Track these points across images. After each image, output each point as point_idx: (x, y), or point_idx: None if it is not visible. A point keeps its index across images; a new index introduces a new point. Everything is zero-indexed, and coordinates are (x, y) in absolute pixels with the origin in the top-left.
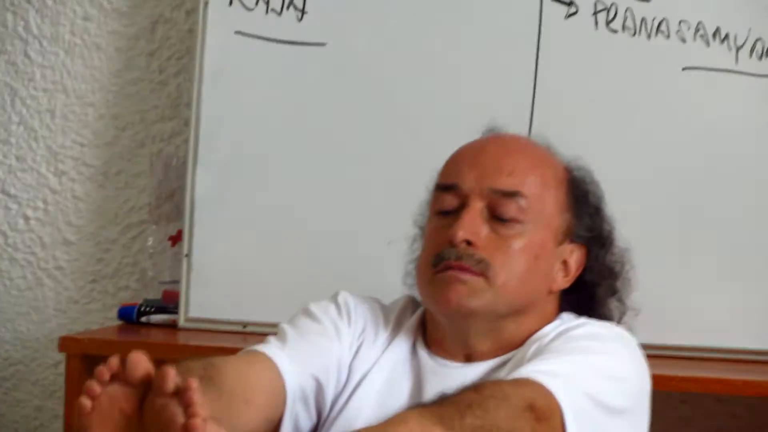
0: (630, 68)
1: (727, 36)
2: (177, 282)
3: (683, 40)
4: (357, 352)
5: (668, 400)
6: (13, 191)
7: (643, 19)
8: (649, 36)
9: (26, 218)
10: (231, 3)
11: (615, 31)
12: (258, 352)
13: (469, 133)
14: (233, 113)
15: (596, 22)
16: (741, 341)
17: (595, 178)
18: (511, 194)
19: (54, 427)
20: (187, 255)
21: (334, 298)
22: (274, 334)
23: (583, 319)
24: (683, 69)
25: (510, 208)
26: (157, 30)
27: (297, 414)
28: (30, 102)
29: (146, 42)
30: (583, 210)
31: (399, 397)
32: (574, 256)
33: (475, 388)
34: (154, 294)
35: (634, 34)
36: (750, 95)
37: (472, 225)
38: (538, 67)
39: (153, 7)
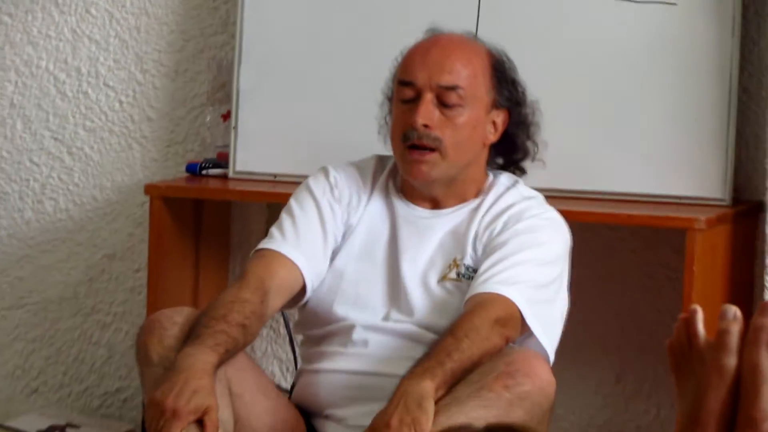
0: None
1: None
2: (227, 146)
3: None
4: (346, 219)
5: (573, 228)
6: (111, 83)
7: None
8: None
9: (120, 102)
10: None
11: None
12: (279, 255)
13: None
14: (267, 29)
15: None
16: (633, 187)
17: (509, 56)
18: (452, 88)
19: (140, 248)
20: (234, 127)
21: (326, 176)
22: (293, 182)
23: (514, 197)
24: None
25: (452, 98)
26: None
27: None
28: (123, 22)
29: None
30: (503, 84)
31: (379, 246)
32: (500, 117)
33: (452, 332)
34: (211, 155)
35: None
36: (634, 18)
37: (427, 112)
38: None
39: None
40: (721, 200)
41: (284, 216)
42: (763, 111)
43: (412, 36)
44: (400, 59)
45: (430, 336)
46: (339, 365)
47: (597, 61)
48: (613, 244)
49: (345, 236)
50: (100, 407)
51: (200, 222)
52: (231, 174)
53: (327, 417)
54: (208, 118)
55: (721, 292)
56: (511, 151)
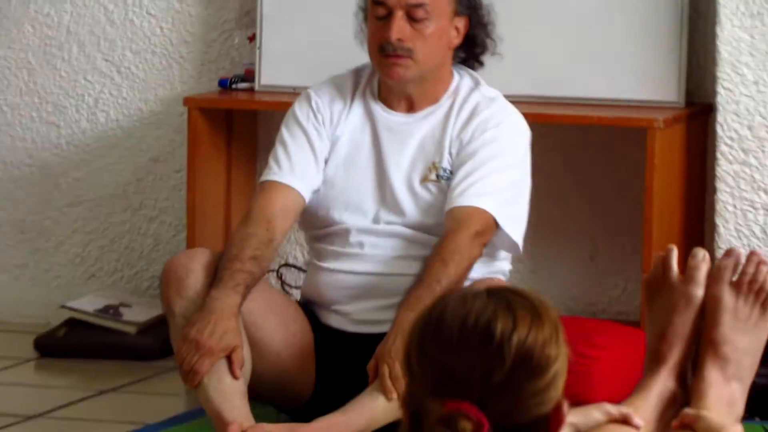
0: None
1: None
2: (253, 64)
3: None
4: (331, 134)
5: (541, 128)
6: (153, 12)
7: None
8: None
9: (161, 28)
10: None
11: None
12: (279, 185)
13: None
14: None
15: None
16: (601, 93)
17: None
18: (419, 5)
19: (180, 152)
20: (259, 47)
21: (308, 101)
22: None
23: (478, 99)
24: None
25: (419, 13)
26: None
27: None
28: None
29: None
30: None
31: (363, 152)
32: (462, 22)
33: (440, 255)
34: (239, 71)
35: None
36: None
37: (399, 28)
38: None
39: None
40: (676, 103)
41: (277, 145)
42: (712, 27)
43: None
44: None
45: (418, 235)
46: (339, 266)
47: None
48: (583, 142)
49: (331, 148)
50: (149, 288)
51: (231, 129)
52: (257, 87)
53: (334, 311)
54: (236, 40)
55: (677, 183)
56: (472, 49)
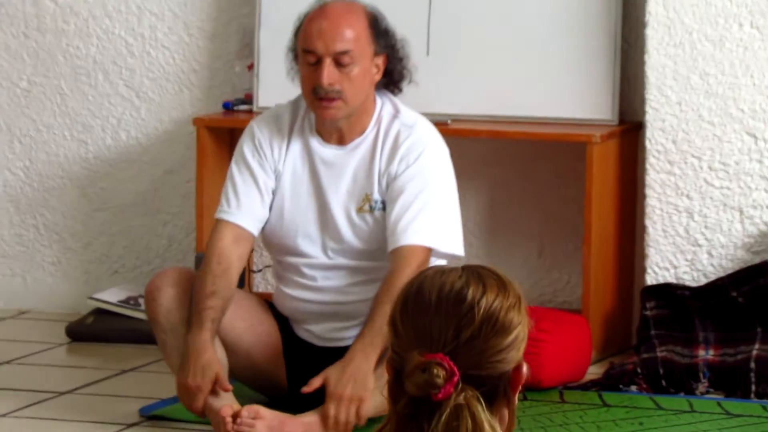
0: None
1: None
2: (251, 89)
3: None
4: (274, 167)
5: (497, 143)
6: (166, 45)
7: None
8: None
9: (173, 58)
10: None
11: None
12: (227, 223)
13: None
14: (279, 1)
15: None
16: (548, 112)
17: (380, 10)
18: (345, 52)
19: (190, 164)
20: (256, 75)
21: (252, 138)
22: None
23: (398, 128)
24: None
25: (345, 59)
26: None
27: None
28: None
29: None
30: (380, 35)
31: (303, 183)
32: (381, 60)
33: (388, 295)
34: (240, 95)
35: None
36: None
37: (329, 74)
38: None
39: None
40: (610, 121)
41: (227, 182)
42: (641, 55)
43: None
44: (299, 24)
45: (362, 264)
46: (299, 294)
47: (521, 23)
48: (533, 155)
49: (276, 180)
50: None
51: (233, 144)
52: (255, 109)
53: (301, 327)
54: (237, 69)
55: (613, 190)
56: (391, 80)
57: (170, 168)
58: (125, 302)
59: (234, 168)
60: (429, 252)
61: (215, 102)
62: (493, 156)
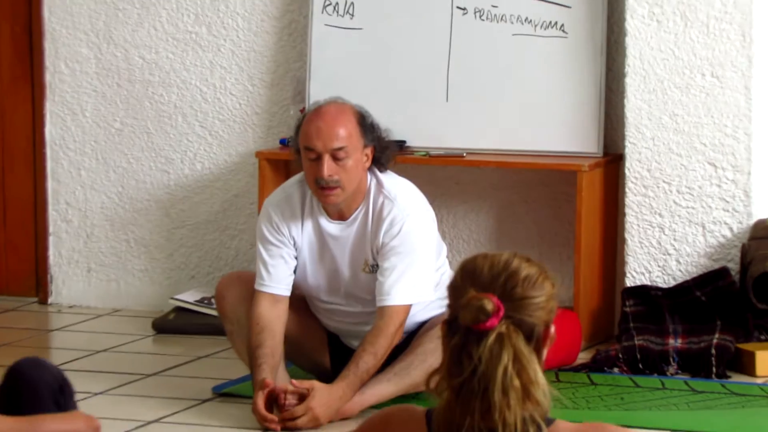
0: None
1: (529, 20)
2: None
3: (511, 22)
4: (293, 243)
5: (503, 172)
6: (234, 93)
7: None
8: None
9: (240, 104)
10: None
11: (483, 20)
12: (263, 293)
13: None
14: (326, 58)
15: (476, 16)
16: (546, 146)
17: (366, 108)
18: (340, 149)
19: (253, 190)
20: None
21: (269, 222)
22: None
23: (382, 201)
24: (512, 35)
25: (341, 154)
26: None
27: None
28: (240, 55)
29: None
30: (367, 130)
31: (317, 253)
32: (369, 150)
33: (372, 349)
34: (293, 133)
35: (492, 21)
36: (543, 45)
37: (328, 168)
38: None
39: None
40: (596, 153)
41: (258, 260)
42: (621, 100)
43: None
44: (299, 124)
45: (370, 307)
46: (325, 321)
47: (524, 73)
48: (533, 181)
49: (298, 252)
50: None
51: (288, 173)
52: None
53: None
54: (291, 112)
55: (598, 210)
56: (378, 161)
57: (237, 192)
58: (200, 301)
59: (260, 247)
60: (409, 308)
61: (273, 139)
62: (499, 182)
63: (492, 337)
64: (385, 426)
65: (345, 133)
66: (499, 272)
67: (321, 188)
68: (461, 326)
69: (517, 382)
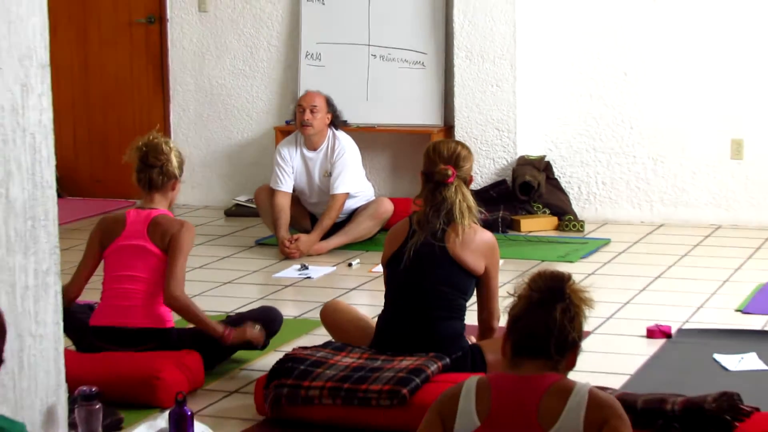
0: None
1: (405, 59)
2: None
3: None
4: (292, 165)
5: (386, 138)
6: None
7: None
8: None
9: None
10: None
11: (384, 61)
12: (279, 191)
13: None
14: (320, 76)
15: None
16: (411, 120)
17: (332, 99)
18: (314, 106)
19: (272, 147)
20: None
21: (280, 154)
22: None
23: (337, 142)
24: (399, 68)
25: (314, 110)
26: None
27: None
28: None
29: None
30: (330, 105)
31: (303, 169)
32: (330, 115)
33: (330, 216)
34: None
35: (388, 61)
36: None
37: (307, 114)
38: None
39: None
40: (439, 125)
41: (274, 173)
42: (452, 90)
43: None
44: (296, 105)
45: (324, 199)
46: (307, 206)
47: (403, 86)
48: (405, 140)
49: (293, 169)
50: None
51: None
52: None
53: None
54: (291, 107)
55: None
56: (333, 123)
57: (266, 145)
58: (248, 201)
59: (275, 167)
60: (345, 195)
61: (282, 119)
62: (389, 142)
63: (452, 186)
64: (391, 233)
65: (318, 101)
66: (452, 153)
67: (303, 126)
68: (434, 179)
69: (464, 203)
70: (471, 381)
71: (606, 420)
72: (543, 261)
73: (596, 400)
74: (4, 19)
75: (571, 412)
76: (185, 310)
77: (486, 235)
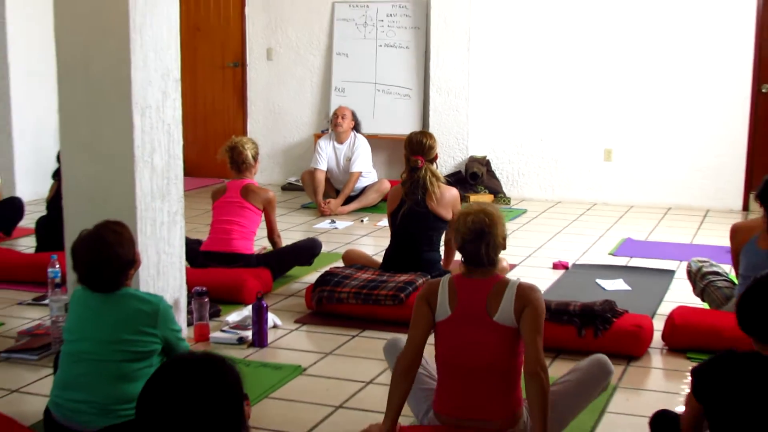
0: None
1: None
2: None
3: None
4: (326, 152)
5: None
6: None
7: None
8: None
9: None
10: None
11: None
12: (318, 169)
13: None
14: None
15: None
16: None
17: (356, 113)
18: (344, 115)
19: (312, 146)
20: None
21: (318, 145)
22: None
23: (356, 139)
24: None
25: (344, 117)
26: None
27: None
28: None
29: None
30: (354, 116)
31: (332, 155)
32: (353, 122)
33: (347, 186)
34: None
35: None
36: None
37: (340, 120)
38: None
39: None
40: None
41: (314, 157)
42: (428, 112)
43: None
44: (332, 116)
45: (346, 177)
46: (333, 183)
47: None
48: (395, 146)
49: (327, 155)
50: None
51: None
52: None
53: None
54: (327, 120)
55: None
56: (356, 127)
57: (309, 146)
58: (296, 181)
59: (315, 153)
60: (359, 174)
61: (319, 127)
62: (386, 144)
63: (423, 169)
64: (390, 196)
65: (346, 112)
66: (421, 146)
67: (336, 126)
68: (410, 165)
69: (433, 177)
70: (445, 278)
71: (527, 305)
72: None
73: (522, 290)
74: (153, 48)
75: (507, 302)
76: (280, 244)
77: (452, 191)
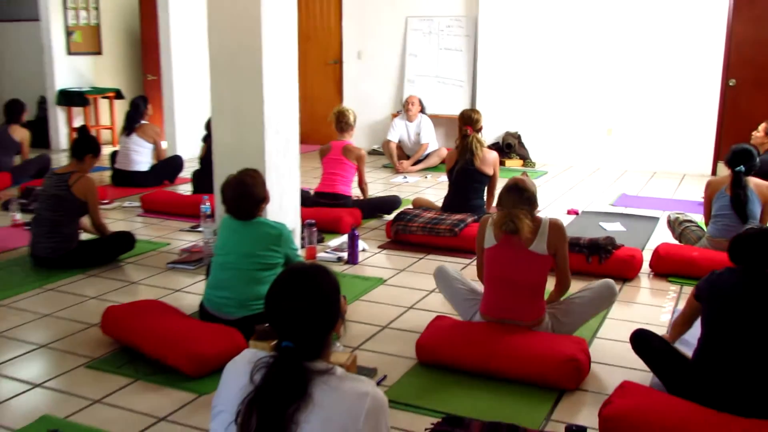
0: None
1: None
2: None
3: None
4: (399, 128)
5: None
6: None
7: None
8: None
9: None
10: None
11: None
12: (390, 140)
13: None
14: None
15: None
16: None
17: (422, 100)
18: (413, 102)
19: (387, 127)
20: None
21: (393, 123)
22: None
23: (422, 117)
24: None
25: (414, 103)
26: None
27: None
28: None
29: None
30: (421, 102)
31: (405, 130)
32: (421, 107)
33: (423, 146)
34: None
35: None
36: None
37: (410, 105)
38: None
39: None
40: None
41: (390, 131)
42: (476, 100)
43: None
44: (404, 104)
45: (416, 147)
46: (404, 149)
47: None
48: (451, 123)
49: (400, 131)
50: None
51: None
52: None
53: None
54: (401, 104)
55: None
56: (422, 110)
57: (385, 124)
58: (378, 148)
59: (390, 128)
60: (426, 145)
61: (394, 110)
62: (443, 122)
63: (471, 137)
64: (448, 156)
65: (415, 100)
66: (469, 118)
67: (407, 110)
68: (462, 134)
69: (478, 143)
70: (490, 215)
71: (557, 240)
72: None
73: (553, 226)
74: (279, 46)
75: (541, 235)
76: (366, 190)
77: (493, 154)
